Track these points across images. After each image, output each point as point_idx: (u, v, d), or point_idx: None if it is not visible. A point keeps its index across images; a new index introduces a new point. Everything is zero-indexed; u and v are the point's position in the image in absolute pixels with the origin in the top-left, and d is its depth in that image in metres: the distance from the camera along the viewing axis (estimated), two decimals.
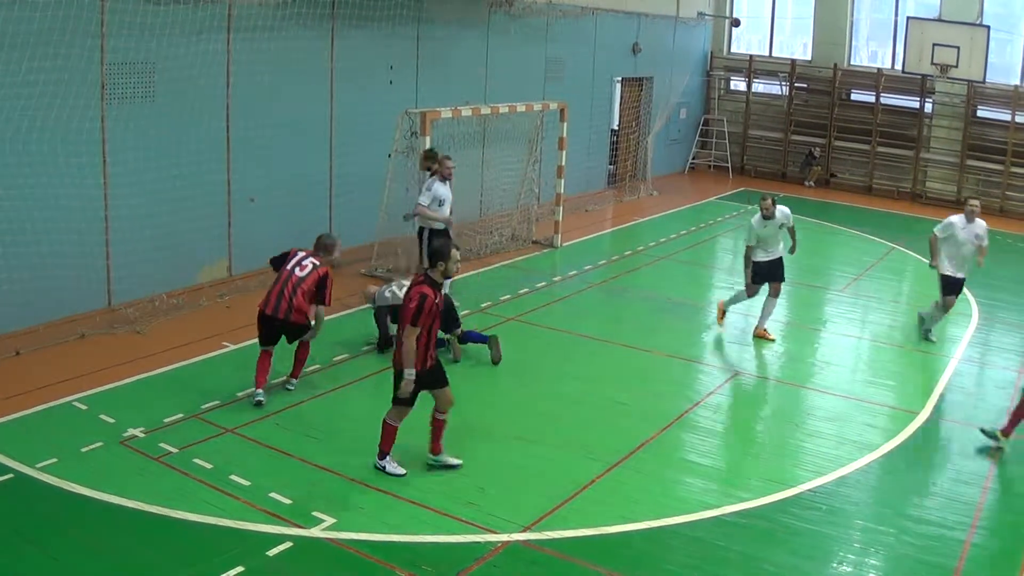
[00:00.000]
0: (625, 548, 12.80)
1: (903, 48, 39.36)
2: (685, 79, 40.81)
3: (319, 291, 16.50)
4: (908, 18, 39.24)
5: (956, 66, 37.98)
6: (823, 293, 25.66)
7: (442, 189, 21.40)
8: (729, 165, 43.11)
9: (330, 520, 12.72)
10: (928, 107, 40.93)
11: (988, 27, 37.93)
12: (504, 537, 12.63)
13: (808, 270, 28.51)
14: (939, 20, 38.89)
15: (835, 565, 12.76)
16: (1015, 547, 13.79)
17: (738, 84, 44.50)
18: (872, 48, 43.87)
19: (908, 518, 14.39)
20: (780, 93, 43.52)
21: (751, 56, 43.71)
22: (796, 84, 42.90)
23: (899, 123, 41.35)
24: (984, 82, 38.69)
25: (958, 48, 37.76)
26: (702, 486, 14.67)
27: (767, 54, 44.17)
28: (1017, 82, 39.62)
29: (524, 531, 12.82)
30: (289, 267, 16.63)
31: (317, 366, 18.02)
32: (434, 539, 12.52)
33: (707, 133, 44.06)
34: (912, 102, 41.17)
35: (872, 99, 41.62)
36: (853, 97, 42.62)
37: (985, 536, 14.01)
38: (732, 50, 44.77)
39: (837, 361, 20.87)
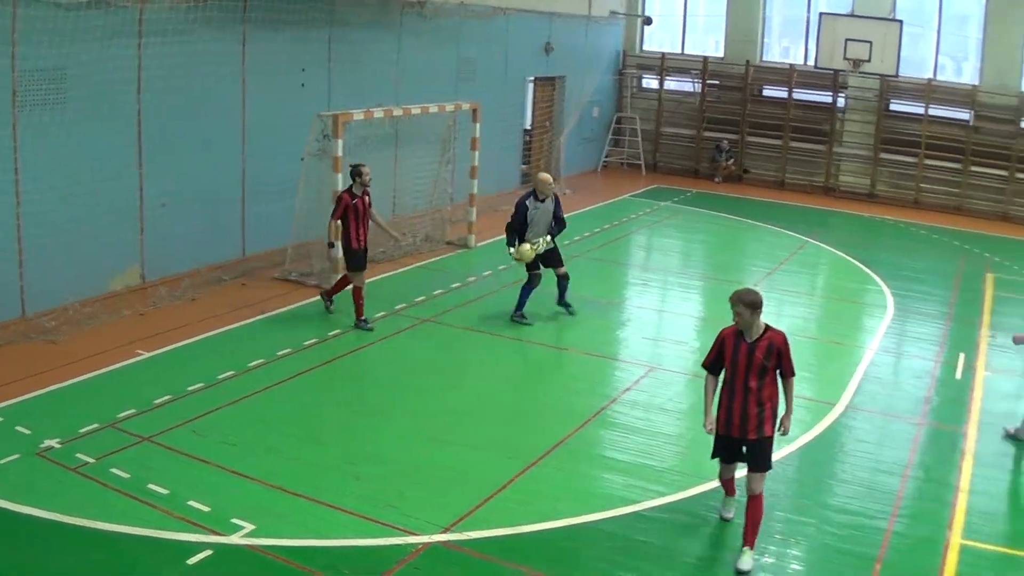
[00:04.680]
0: (546, 546, 12.92)
1: (816, 44, 39.84)
2: (597, 78, 40.94)
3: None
4: (821, 14, 39.75)
5: (869, 61, 38.47)
6: (736, 287, 25.89)
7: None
8: (642, 162, 43.29)
9: (249, 527, 12.71)
10: (841, 102, 41.52)
11: (901, 22, 38.50)
12: (425, 538, 12.68)
13: (721, 266, 28.79)
14: (852, 16, 39.36)
15: (756, 557, 12.89)
16: (936, 534, 14.04)
17: (650, 82, 44.69)
18: (784, 44, 44.23)
19: (829, 508, 14.62)
20: (692, 90, 43.77)
21: (663, 54, 43.94)
22: (708, 81, 43.19)
23: (812, 118, 41.87)
24: (897, 76, 39.20)
25: (871, 43, 38.25)
26: (621, 481, 14.80)
27: (679, 52, 44.39)
28: (930, 75, 40.13)
29: (444, 532, 12.88)
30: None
31: (231, 372, 17.95)
32: (354, 542, 12.56)
33: (620, 131, 44.24)
34: (825, 97, 41.73)
35: (785, 95, 42.07)
36: (765, 93, 43.01)
37: (906, 524, 14.27)
38: (644, 48, 44.93)
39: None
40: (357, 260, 20.75)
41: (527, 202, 21.58)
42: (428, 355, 19.76)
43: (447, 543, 12.68)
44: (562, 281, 22.40)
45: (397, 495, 13.82)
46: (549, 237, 21.71)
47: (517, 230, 21.57)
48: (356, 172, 20.70)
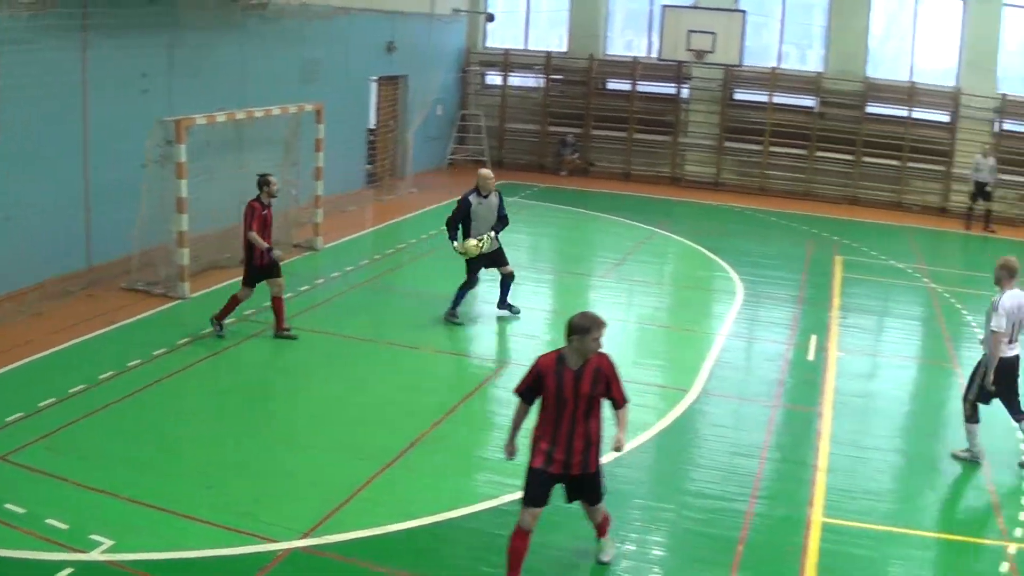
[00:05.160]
0: (406, 545, 12.92)
1: (659, 36, 40.23)
2: (441, 76, 40.88)
3: None
4: (664, 6, 40.26)
5: (712, 51, 38.99)
6: (586, 280, 26.01)
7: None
8: (488, 159, 43.26)
9: (108, 542, 12.47)
10: (685, 93, 42.08)
11: (744, 12, 39.24)
12: (284, 545, 12.59)
13: (570, 258, 28.93)
14: (695, 7, 39.95)
15: (618, 545, 13.00)
16: (797, 513, 14.35)
17: (494, 78, 44.74)
18: (628, 38, 44.64)
19: (687, 493, 14.84)
20: (536, 85, 43.92)
21: (507, 50, 44.09)
22: (552, 76, 43.41)
23: (656, 109, 42.40)
24: (741, 66, 39.85)
25: (714, 34, 38.90)
26: (480, 478, 14.90)
27: (523, 47, 44.53)
28: (775, 64, 40.74)
29: (304, 537, 12.79)
30: None
31: (82, 386, 17.58)
32: (214, 553, 12.41)
33: (465, 128, 44.24)
34: (669, 88, 42.29)
35: (629, 87, 42.51)
36: (609, 86, 43.46)
37: (766, 505, 14.56)
38: (487, 45, 45.00)
39: (605, 345, 21.16)
40: (254, 275, 20.34)
41: (470, 198, 21.68)
42: (279, 360, 19.64)
43: (307, 548, 12.60)
44: (506, 280, 22.57)
45: (253, 502, 13.70)
46: (494, 234, 21.75)
47: (456, 223, 21.68)
48: (264, 182, 20.22)
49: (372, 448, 15.61)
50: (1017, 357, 16.24)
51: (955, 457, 16.55)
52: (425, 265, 26.46)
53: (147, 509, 13.44)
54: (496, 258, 22.23)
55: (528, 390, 11.88)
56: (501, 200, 21.94)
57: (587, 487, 11.99)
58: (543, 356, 11.84)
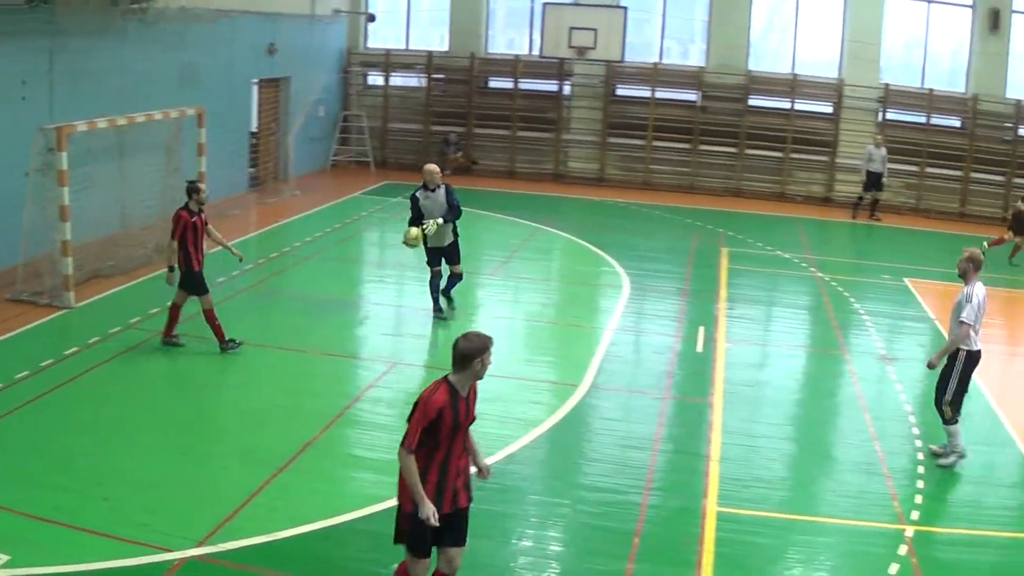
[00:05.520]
0: (303, 550, 12.82)
1: (540, 34, 40.27)
2: (323, 77, 40.64)
3: None
4: (544, 4, 40.30)
5: (594, 48, 39.08)
6: (473, 278, 25.96)
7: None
8: (371, 159, 43.05)
9: (4, 557, 12.19)
10: (567, 89, 42.15)
11: (625, 8, 39.39)
12: (180, 554, 12.39)
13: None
14: (576, 4, 40.00)
15: (515, 541, 13.02)
16: (692, 503, 14.46)
17: (376, 79, 44.51)
18: (509, 36, 44.65)
19: (582, 487, 14.86)
20: (418, 85, 43.80)
21: (388, 50, 43.86)
22: (434, 75, 43.29)
23: (539, 107, 42.48)
24: (623, 62, 40.00)
25: (596, 30, 38.97)
26: (372, 479, 14.76)
27: (404, 47, 44.34)
28: (656, 59, 40.97)
29: (199, 546, 12.61)
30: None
31: None
32: (111, 565, 12.16)
33: (347, 129, 43.92)
34: (551, 86, 42.36)
35: (511, 85, 42.52)
36: (492, 84, 43.44)
37: (661, 496, 14.66)
38: (369, 45, 44.74)
39: (495, 343, 21.13)
40: (199, 282, 19.93)
41: (417, 194, 21.96)
42: (168, 368, 19.36)
43: (203, 557, 12.41)
44: (453, 279, 22.76)
45: (148, 513, 13.45)
46: (442, 220, 21.82)
47: (414, 221, 21.81)
48: (193, 189, 19.83)
49: (264, 454, 15.44)
50: (980, 352, 16.33)
51: (941, 465, 16.38)
52: (311, 268, 26.29)
53: (42, 523, 13.15)
54: (449, 255, 22.48)
55: (425, 440, 10.42)
56: (449, 192, 22.11)
57: (458, 524, 10.93)
58: (435, 395, 10.34)
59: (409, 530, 10.67)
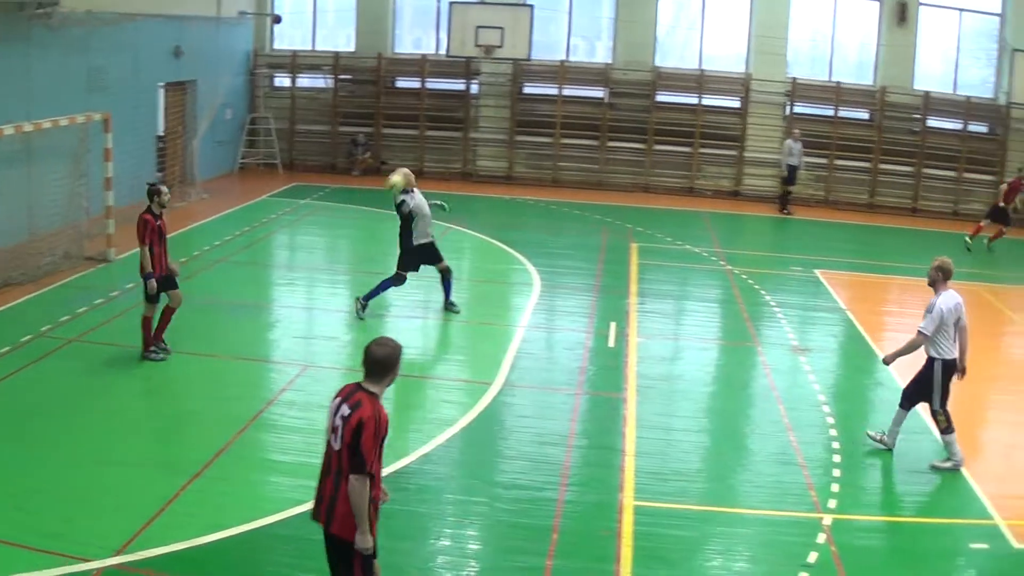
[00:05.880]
0: (222, 556, 12.73)
1: (447, 33, 40.28)
2: (229, 79, 40.37)
3: None
4: (451, 3, 40.23)
5: (501, 47, 39.12)
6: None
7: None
8: (279, 162, 42.82)
9: None
10: (475, 88, 42.15)
11: (532, 6, 39.54)
12: (97, 564, 12.24)
13: (366, 258, 28.82)
14: (482, 3, 39.99)
15: (433, 541, 13.04)
16: (608, 498, 14.54)
17: (283, 80, 44.30)
18: (416, 35, 44.58)
19: (498, 485, 14.90)
20: (325, 86, 43.63)
21: (295, 52, 43.65)
22: (341, 76, 43.14)
23: (446, 106, 42.52)
24: (530, 60, 40.09)
25: (502, 29, 39.00)
26: (288, 483, 14.65)
27: (311, 48, 44.18)
28: (563, 57, 41.06)
29: (116, 555, 12.46)
30: None
31: None
32: None
33: (255, 132, 43.61)
34: (458, 85, 42.35)
35: (418, 85, 42.46)
36: (399, 84, 43.39)
37: (577, 492, 14.72)
38: (275, 47, 44.50)
39: (406, 343, 21.04)
40: (163, 283, 19.62)
41: (406, 199, 22.95)
42: (78, 376, 19.05)
43: (121, 566, 12.28)
44: (446, 276, 23.14)
45: (65, 522, 13.29)
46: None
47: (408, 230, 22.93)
48: (155, 191, 19.43)
49: (180, 460, 15.31)
50: (955, 360, 16.34)
51: (935, 468, 16.38)
52: (220, 272, 26.12)
53: None
54: (431, 256, 23.20)
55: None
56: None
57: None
58: (381, 411, 9.89)
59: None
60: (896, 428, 16.63)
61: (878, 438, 16.78)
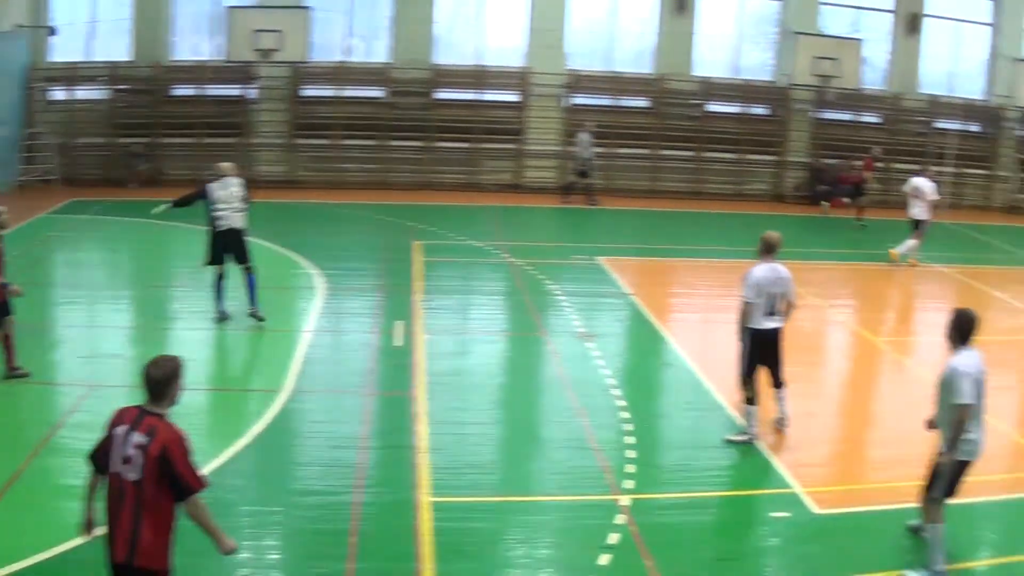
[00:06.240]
0: None
1: (226, 38, 40.01)
2: (5, 95, 39.51)
3: None
4: (228, 7, 40.03)
5: (280, 49, 38.94)
6: (164, 291, 25.66)
7: None
8: (58, 177, 41.98)
9: None
10: (254, 93, 41.84)
11: (309, 8, 39.63)
12: None
13: (149, 272, 28.56)
14: (260, 7, 39.83)
15: (231, 555, 12.92)
16: (404, 497, 14.64)
17: (60, 93, 43.37)
18: (194, 41, 44.03)
19: (294, 492, 14.91)
20: (103, 97, 42.87)
21: (72, 64, 42.73)
22: (119, 87, 42.38)
23: (224, 112, 41.99)
24: (307, 62, 39.93)
25: (281, 32, 38.83)
26: (82, 507, 14.43)
27: (88, 59, 43.34)
28: (341, 58, 41.11)
29: None
30: None
31: None
32: None
33: (31, 148, 42.71)
34: (237, 90, 41.99)
35: (196, 92, 42.04)
36: (177, 92, 42.71)
37: (373, 493, 14.82)
38: (52, 59, 43.52)
39: (189, 356, 20.84)
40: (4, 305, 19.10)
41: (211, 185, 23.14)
42: None
43: None
44: (250, 276, 22.72)
45: None
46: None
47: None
48: None
49: None
50: (776, 330, 16.80)
51: (730, 442, 16.83)
52: None
53: None
54: (238, 252, 22.82)
55: None
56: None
57: None
58: (179, 429, 9.90)
59: None
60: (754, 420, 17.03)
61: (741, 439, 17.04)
